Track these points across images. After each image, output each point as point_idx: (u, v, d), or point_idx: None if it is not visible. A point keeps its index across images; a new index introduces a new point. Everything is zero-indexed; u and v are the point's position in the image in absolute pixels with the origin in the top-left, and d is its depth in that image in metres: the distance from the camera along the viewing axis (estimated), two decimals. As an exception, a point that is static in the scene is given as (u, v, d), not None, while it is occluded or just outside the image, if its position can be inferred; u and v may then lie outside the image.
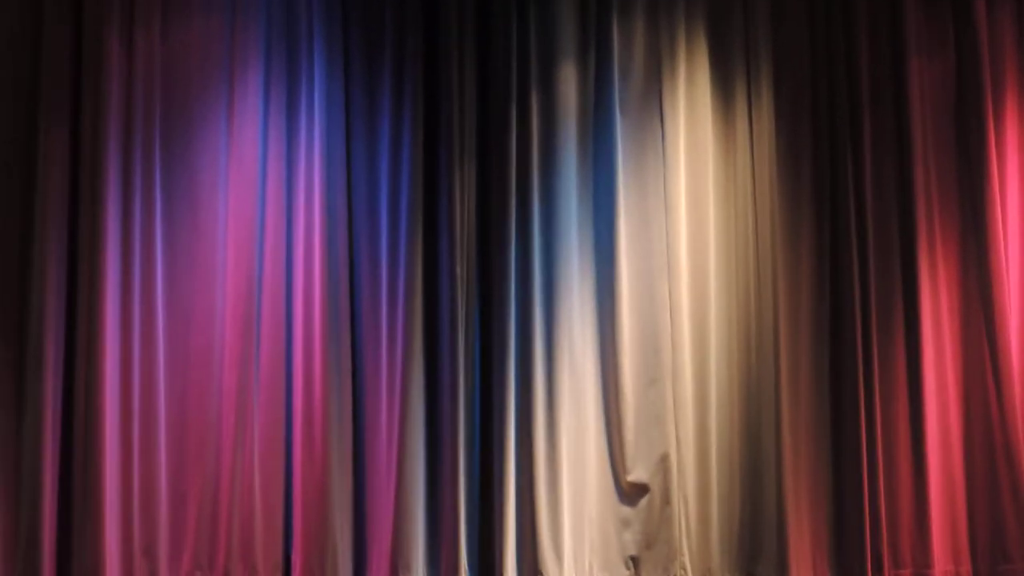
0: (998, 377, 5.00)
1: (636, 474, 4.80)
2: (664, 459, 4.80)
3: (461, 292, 4.71)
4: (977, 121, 5.18)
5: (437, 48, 4.83)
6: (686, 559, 4.77)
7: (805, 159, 5.06)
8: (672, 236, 4.91)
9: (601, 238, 4.90)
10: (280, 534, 4.52)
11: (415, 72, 4.79)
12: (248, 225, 4.60)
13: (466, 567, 4.61)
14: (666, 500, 4.78)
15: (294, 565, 4.52)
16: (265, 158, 4.66)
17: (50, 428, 4.27)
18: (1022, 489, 4.92)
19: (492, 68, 4.88)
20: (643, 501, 4.79)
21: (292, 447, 4.56)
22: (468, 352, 4.70)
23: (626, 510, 4.80)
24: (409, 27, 4.81)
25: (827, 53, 5.14)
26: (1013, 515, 4.92)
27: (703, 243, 4.95)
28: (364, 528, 4.62)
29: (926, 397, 4.97)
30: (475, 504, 4.68)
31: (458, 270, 4.71)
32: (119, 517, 4.35)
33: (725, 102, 5.07)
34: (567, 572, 4.68)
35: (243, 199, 4.61)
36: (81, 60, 4.49)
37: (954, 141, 5.23)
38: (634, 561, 4.78)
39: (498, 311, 4.74)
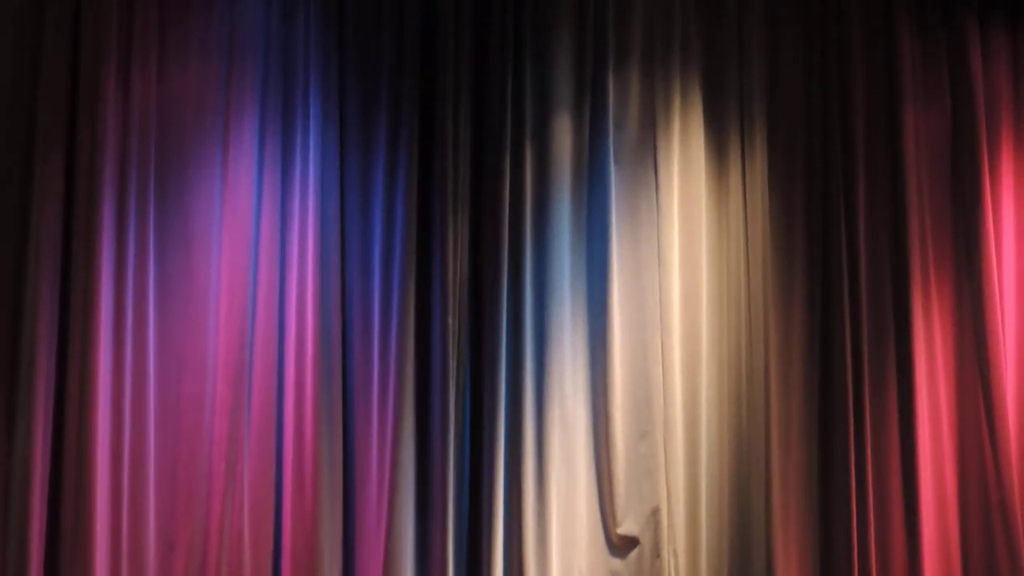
0: (994, 434, 4.97)
1: (626, 527, 4.78)
2: (655, 512, 4.78)
3: (453, 342, 4.70)
4: (972, 172, 5.16)
5: (432, 98, 4.84)
6: (675, 612, 4.76)
7: (798, 210, 5.06)
8: (665, 288, 4.90)
9: (594, 290, 4.89)
10: (269, 583, 4.52)
11: (410, 122, 4.80)
12: (241, 273, 4.60)
13: (454, 618, 4.60)
14: (656, 553, 4.75)
15: (282, 615, 4.53)
16: (259, 205, 4.66)
17: (39, 474, 4.27)
18: (1018, 547, 4.88)
19: (487, 119, 4.88)
20: (633, 554, 4.77)
21: (282, 496, 4.55)
22: (459, 402, 4.69)
23: (616, 563, 4.77)
24: (405, 77, 4.82)
25: (822, 104, 5.14)
26: (1009, 574, 4.87)
27: (696, 296, 4.94)
28: (353, 578, 4.62)
29: (919, 452, 4.93)
30: (464, 555, 4.66)
31: (450, 320, 4.71)
32: (108, 565, 4.34)
33: (719, 153, 5.07)
34: (555, 624, 4.68)
35: (237, 246, 4.62)
36: (77, 101, 4.50)
37: (950, 192, 5.22)
38: (623, 614, 4.78)
39: (489, 362, 4.72)
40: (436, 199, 4.79)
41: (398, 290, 4.70)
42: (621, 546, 4.78)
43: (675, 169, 4.98)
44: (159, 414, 4.49)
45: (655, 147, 4.99)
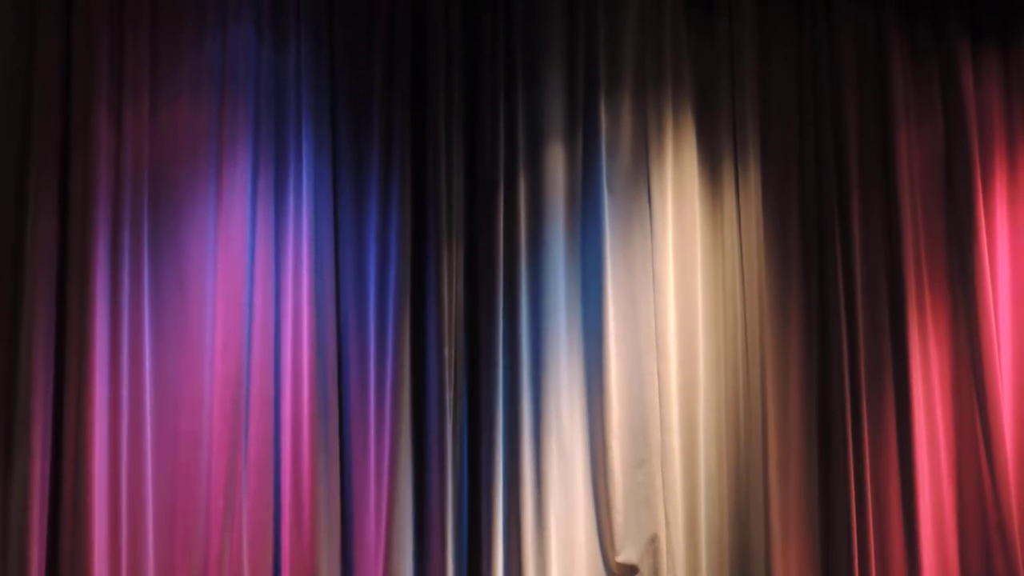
0: (991, 456, 4.97)
1: (625, 555, 4.77)
2: (653, 540, 4.77)
3: (449, 373, 4.70)
4: (966, 192, 5.18)
5: (424, 127, 4.84)
6: (675, 641, 4.75)
7: (793, 235, 5.06)
8: (660, 315, 4.89)
9: (589, 318, 4.88)
10: (268, 618, 4.51)
11: (402, 151, 4.79)
12: (236, 307, 4.59)
13: (453, 650, 4.59)
14: (655, 581, 4.77)
15: (281, 650, 4.52)
16: (253, 237, 4.65)
17: (37, 511, 4.25)
18: (1017, 569, 4.88)
19: (480, 148, 4.88)
20: (632, 582, 4.79)
21: (280, 530, 4.54)
22: (456, 433, 4.68)
23: (615, 591, 4.79)
24: (396, 106, 4.82)
25: (814, 127, 5.14)
26: (1009, 596, 4.89)
27: (691, 322, 4.94)
28: (352, 611, 4.61)
29: (918, 477, 4.93)
30: (463, 586, 4.67)
31: (446, 351, 4.70)
32: (107, 602, 4.35)
33: (712, 178, 5.07)
34: (555, 655, 4.67)
35: (231, 279, 4.60)
36: (69, 135, 4.48)
37: (944, 212, 5.22)
38: (623, 643, 4.77)
39: (486, 392, 4.72)
40: (430, 229, 4.78)
41: (393, 321, 4.69)
42: (620, 574, 4.77)
43: (668, 195, 4.97)
44: (156, 450, 4.48)
45: (648, 173, 4.99)
